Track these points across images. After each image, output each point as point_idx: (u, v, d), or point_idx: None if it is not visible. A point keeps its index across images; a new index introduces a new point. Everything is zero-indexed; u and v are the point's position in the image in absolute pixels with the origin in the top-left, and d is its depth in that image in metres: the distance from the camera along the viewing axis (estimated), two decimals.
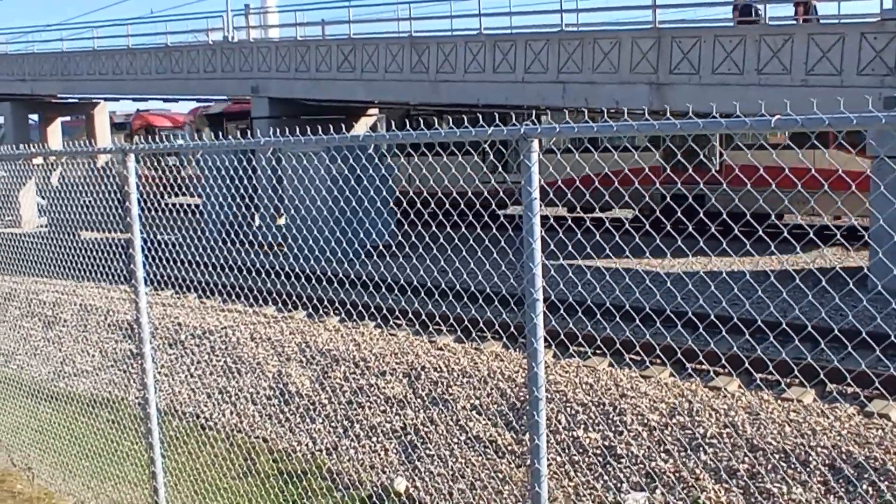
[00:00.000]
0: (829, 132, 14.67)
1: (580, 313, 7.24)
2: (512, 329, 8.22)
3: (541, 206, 3.16)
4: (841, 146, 16.66)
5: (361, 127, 28.33)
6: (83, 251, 7.51)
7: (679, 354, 8.21)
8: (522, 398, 8.34)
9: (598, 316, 7.99)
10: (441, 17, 22.57)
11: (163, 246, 7.74)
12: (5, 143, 33.03)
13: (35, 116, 36.96)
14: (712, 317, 8.92)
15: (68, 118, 40.43)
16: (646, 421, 7.68)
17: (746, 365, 8.77)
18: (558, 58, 18.53)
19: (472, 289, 10.20)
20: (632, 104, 16.84)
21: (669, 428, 7.48)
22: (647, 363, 9.12)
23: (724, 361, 9.19)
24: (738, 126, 2.60)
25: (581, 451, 7.55)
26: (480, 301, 11.26)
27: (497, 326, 9.62)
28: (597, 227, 20.81)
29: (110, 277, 7.88)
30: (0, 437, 7.94)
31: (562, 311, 9.24)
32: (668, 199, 4.87)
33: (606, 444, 7.54)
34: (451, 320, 11.39)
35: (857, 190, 6.15)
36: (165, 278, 14.14)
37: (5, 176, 8.87)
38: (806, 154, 15.96)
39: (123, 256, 7.26)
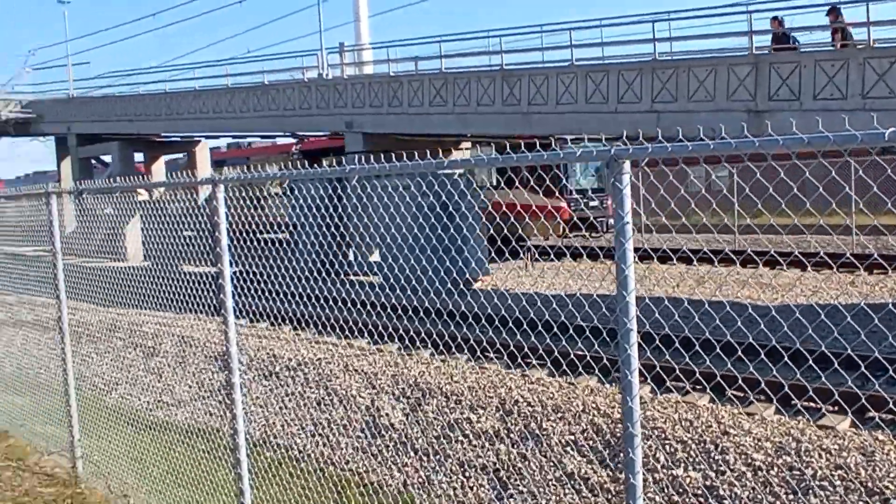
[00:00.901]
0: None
1: (677, 345, 6.96)
2: (605, 362, 7.98)
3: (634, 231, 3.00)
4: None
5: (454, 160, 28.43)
6: (182, 284, 7.61)
7: (786, 390, 7.82)
8: (618, 434, 8.07)
9: (697, 348, 7.68)
10: (533, 49, 22.49)
11: (258, 278, 7.79)
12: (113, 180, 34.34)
13: (140, 155, 38.34)
14: (822, 349, 8.49)
15: (172, 157, 41.78)
16: (750, 461, 7.31)
17: (862, 401, 8.28)
18: (652, 87, 18.27)
19: (563, 319, 9.97)
20: (730, 133, 16.41)
21: (776, 468, 7.09)
22: (751, 399, 8.73)
23: (836, 398, 8.72)
24: (849, 141, 2.39)
25: (680, 491, 7.23)
26: (572, 332, 11.03)
27: (590, 359, 9.38)
28: (694, 256, 20.35)
29: (208, 309, 7.98)
30: (99, 464, 8.06)
31: (657, 343, 8.95)
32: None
33: (708, 484, 7.20)
34: (543, 353, 11.18)
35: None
36: (260, 310, 14.38)
37: (112, 213, 9.10)
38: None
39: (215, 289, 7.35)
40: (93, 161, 40.31)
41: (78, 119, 37.75)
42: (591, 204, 27.85)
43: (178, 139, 37.59)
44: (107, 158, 38.64)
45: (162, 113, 33.11)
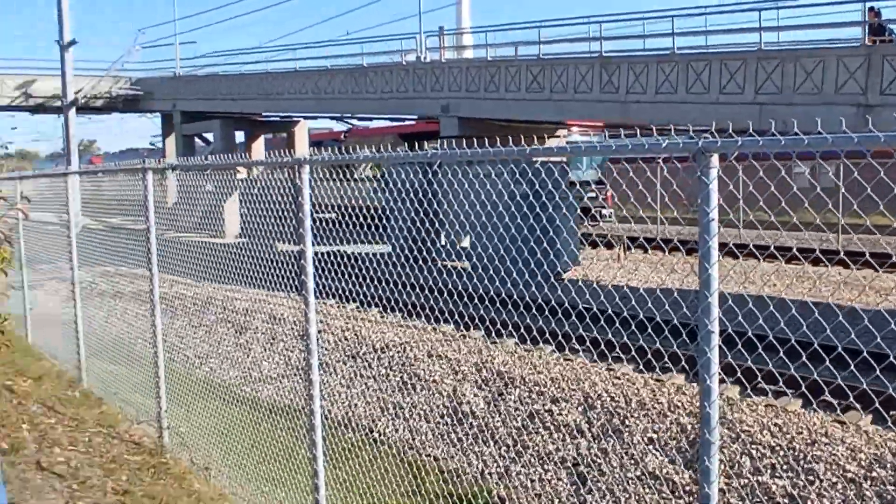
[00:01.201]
0: None
1: (760, 350, 6.68)
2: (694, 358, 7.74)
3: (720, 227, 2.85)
4: None
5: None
6: (274, 262, 7.69)
7: (880, 401, 7.45)
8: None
9: (782, 353, 7.38)
10: (633, 36, 22.00)
11: (347, 260, 7.83)
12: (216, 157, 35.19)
13: (241, 133, 39.13)
14: None
15: (271, 135, 42.49)
16: (843, 471, 7.01)
17: None
18: (756, 78, 17.66)
19: (654, 314, 9.74)
20: (835, 127, 15.77)
21: (870, 481, 6.78)
22: (847, 407, 8.36)
23: None
24: None
25: (768, 497, 6.98)
26: (661, 327, 10.76)
27: (679, 355, 9.13)
28: (782, 254, 19.69)
29: (298, 288, 8.05)
30: (184, 436, 8.23)
31: (744, 343, 8.64)
32: None
33: (796, 492, 6.93)
34: (630, 347, 10.93)
35: None
36: (348, 293, 14.51)
37: (212, 190, 9.26)
38: None
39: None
40: (196, 138, 41.35)
41: (183, 97, 38.77)
42: (590, 195, 28.75)
43: (278, 119, 38.21)
44: (209, 136, 39.57)
45: (263, 92, 33.70)
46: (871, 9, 17.72)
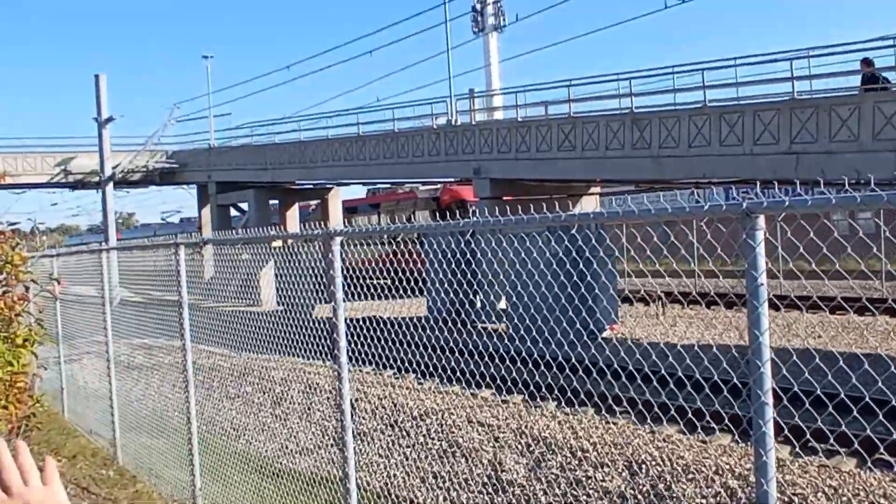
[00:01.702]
0: None
1: (807, 405, 6.40)
2: (744, 423, 7.47)
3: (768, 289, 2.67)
4: None
5: (583, 206, 28.07)
6: (310, 331, 7.59)
7: None
8: (755, 499, 7.52)
9: (831, 408, 7.07)
10: (663, 91, 21.97)
11: (384, 326, 7.71)
12: (249, 227, 35.55)
13: (275, 202, 39.51)
14: None
15: (310, 205, 42.82)
16: None
17: None
18: (790, 127, 17.47)
19: (697, 376, 9.47)
20: (876, 174, 15.50)
21: None
22: None
23: None
24: None
25: None
26: (704, 387, 10.44)
27: (723, 416, 8.83)
28: (825, 304, 19.23)
29: (348, 353, 7.91)
30: None
31: (785, 402, 8.34)
32: None
33: None
34: (672, 408, 10.60)
35: None
36: (384, 359, 14.33)
37: (249, 259, 9.25)
38: None
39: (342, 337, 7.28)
40: (231, 208, 41.82)
41: (218, 168, 39.33)
42: None
43: (311, 186, 38.58)
44: (244, 205, 40.01)
45: (296, 161, 34.06)
46: (864, 59, 18.15)
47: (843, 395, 5.38)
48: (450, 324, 20.85)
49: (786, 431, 7.46)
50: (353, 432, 11.00)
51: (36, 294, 7.13)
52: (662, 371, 9.20)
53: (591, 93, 24.43)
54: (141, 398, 11.56)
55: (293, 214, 40.53)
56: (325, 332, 7.52)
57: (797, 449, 8.94)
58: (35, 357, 6.65)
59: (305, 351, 8.02)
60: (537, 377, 11.14)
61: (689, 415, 9.46)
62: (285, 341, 8.12)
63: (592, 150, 22.21)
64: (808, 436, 8.77)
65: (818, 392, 6.27)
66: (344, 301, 5.20)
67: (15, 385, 6.08)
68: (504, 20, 35.13)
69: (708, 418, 9.63)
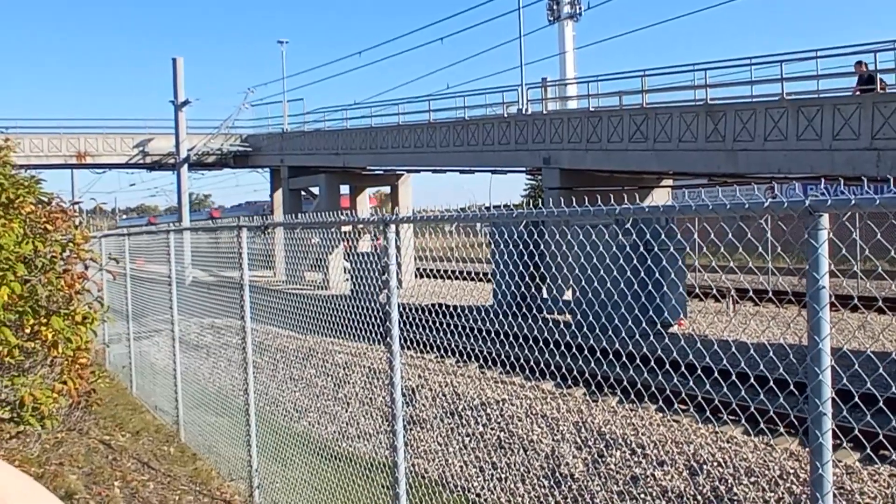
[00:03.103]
0: None
1: (866, 410, 6.13)
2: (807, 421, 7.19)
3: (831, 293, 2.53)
4: None
5: (654, 198, 27.63)
6: (375, 316, 7.60)
7: None
8: None
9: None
10: (740, 83, 21.42)
11: (450, 312, 7.66)
12: (319, 210, 35.90)
13: (346, 187, 39.80)
14: None
15: (375, 189, 43.06)
16: None
17: None
18: (872, 122, 16.86)
19: (764, 373, 9.20)
20: None
21: None
22: None
23: None
24: None
25: None
26: (775, 389, 10.13)
27: (792, 418, 8.55)
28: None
29: (400, 342, 7.89)
30: (276, 493, 8.12)
31: (857, 401, 8.04)
32: None
33: None
34: (737, 408, 10.33)
35: None
36: (447, 344, 14.29)
37: (318, 243, 9.29)
38: None
39: (410, 323, 7.26)
40: (302, 192, 42.27)
41: (290, 152, 39.75)
42: None
43: (382, 172, 38.73)
44: (315, 190, 40.40)
45: (367, 146, 34.21)
46: (859, 62, 18.79)
47: None
48: (515, 312, 20.76)
49: (857, 434, 7.19)
50: (408, 419, 10.98)
51: (95, 272, 7.25)
52: (730, 369, 8.96)
53: (666, 83, 23.98)
54: (206, 377, 11.75)
55: (364, 199, 40.79)
56: (382, 319, 7.50)
57: (868, 451, 8.64)
58: (94, 335, 6.77)
59: (366, 336, 8.02)
60: (600, 372, 10.96)
61: (755, 414, 9.22)
62: (347, 326, 8.12)
63: (665, 142, 21.79)
64: (880, 439, 8.46)
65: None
66: (398, 288, 5.15)
67: (77, 361, 6.19)
68: (580, 8, 34.75)
69: (777, 421, 9.37)
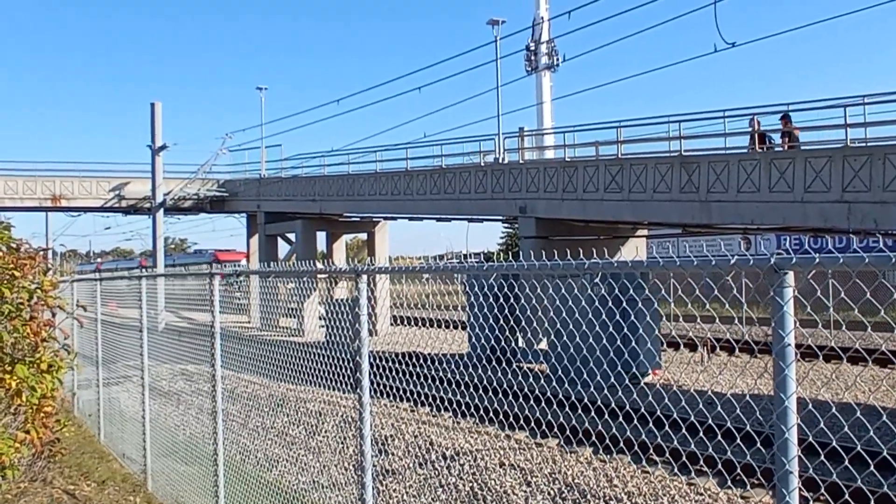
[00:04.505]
0: None
1: (846, 462, 6.12)
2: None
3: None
4: None
5: (629, 248, 27.79)
6: (348, 365, 7.52)
7: None
8: None
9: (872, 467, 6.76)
10: (713, 135, 21.71)
11: (421, 362, 7.60)
12: (296, 257, 35.79)
13: (323, 233, 39.73)
14: None
15: (352, 236, 43.00)
16: None
17: None
18: (843, 175, 17.09)
19: (738, 424, 9.19)
20: None
21: None
22: None
23: None
24: None
25: None
26: (749, 440, 10.12)
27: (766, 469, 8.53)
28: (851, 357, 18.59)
29: (373, 393, 7.81)
30: None
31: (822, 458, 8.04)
32: None
33: None
34: (709, 459, 10.30)
35: None
36: (422, 396, 14.18)
37: (294, 288, 9.24)
38: None
39: (384, 372, 7.20)
40: (279, 238, 42.17)
41: (267, 198, 39.72)
42: None
43: (359, 219, 38.73)
44: (292, 236, 40.32)
45: (344, 193, 34.25)
46: (753, 118, 20.52)
47: (885, 454, 5.13)
48: (492, 362, 20.69)
49: (822, 490, 7.17)
50: (380, 469, 10.84)
51: (63, 319, 7.15)
52: (703, 421, 8.95)
53: (641, 134, 24.23)
54: (176, 424, 11.56)
55: (340, 246, 40.72)
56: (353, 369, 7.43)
57: None
58: (60, 382, 6.66)
59: (339, 384, 7.93)
60: (574, 421, 10.91)
61: (728, 467, 9.18)
62: (319, 373, 8.04)
63: (640, 193, 21.97)
64: (846, 496, 8.43)
65: (859, 448, 6.01)
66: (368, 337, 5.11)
67: (42, 409, 6.08)
68: (558, 59, 35.22)
69: (750, 472, 9.35)
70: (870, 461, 6.16)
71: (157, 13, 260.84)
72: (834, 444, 4.40)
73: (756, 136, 20.24)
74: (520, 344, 23.04)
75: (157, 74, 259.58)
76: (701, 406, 8.01)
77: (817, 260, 2.42)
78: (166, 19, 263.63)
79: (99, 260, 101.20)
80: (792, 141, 19.57)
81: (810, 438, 4.10)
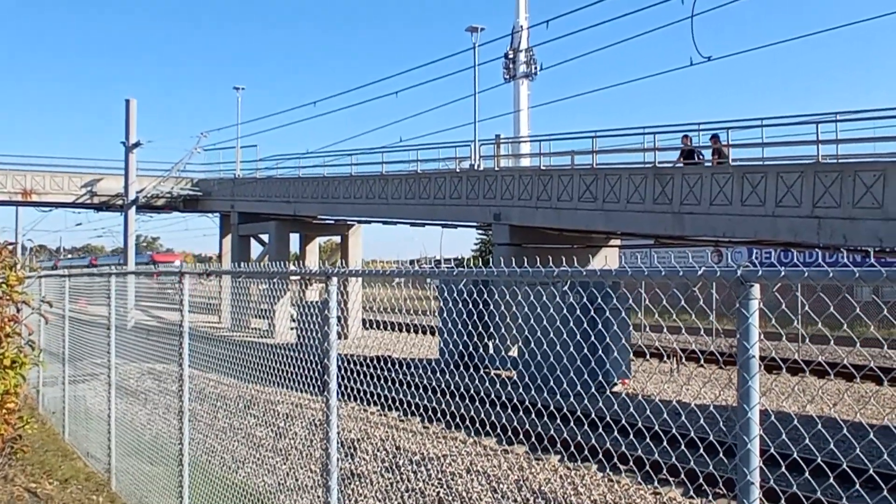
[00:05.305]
0: None
1: (807, 474, 6.21)
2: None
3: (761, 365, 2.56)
4: None
5: (601, 257, 27.90)
6: (317, 367, 7.50)
7: None
8: None
9: (807, 474, 6.82)
10: (676, 148, 21.97)
11: (393, 367, 7.59)
12: (269, 258, 35.61)
13: (296, 235, 39.58)
14: None
15: (326, 238, 42.87)
16: None
17: None
18: (813, 191, 17.30)
19: (712, 438, 9.24)
20: None
21: None
22: None
23: None
24: None
25: None
26: (713, 448, 10.16)
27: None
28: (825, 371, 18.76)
29: (342, 396, 7.79)
30: None
31: (783, 469, 8.12)
32: None
33: None
34: (684, 473, 10.35)
35: None
36: (390, 401, 14.15)
37: (266, 289, 9.20)
38: None
39: (354, 375, 7.18)
40: (252, 238, 41.97)
41: (241, 198, 39.52)
42: None
43: (333, 221, 38.62)
44: (265, 237, 40.14)
45: (318, 196, 34.14)
46: (686, 135, 21.63)
47: (845, 466, 5.18)
48: (461, 367, 20.68)
49: (782, 501, 7.24)
50: (347, 473, 10.79)
51: (28, 315, 7.08)
52: (667, 429, 9.00)
53: (616, 145, 24.38)
54: (142, 424, 11.46)
55: (314, 248, 40.56)
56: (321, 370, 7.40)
57: None
58: (24, 379, 6.59)
59: (309, 387, 7.91)
60: (540, 428, 10.94)
61: (700, 479, 9.23)
62: (289, 375, 8.01)
63: (613, 203, 22.09)
64: None
65: (819, 461, 6.07)
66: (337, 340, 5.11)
67: (4, 406, 6.01)
68: (536, 68, 35.38)
69: (715, 481, 9.42)
70: (829, 473, 6.22)
71: (128, 12, 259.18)
72: (795, 455, 4.45)
73: (684, 152, 21.39)
74: (490, 350, 23.09)
75: (132, 74, 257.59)
76: (665, 415, 8.04)
77: (783, 273, 2.45)
78: (143, 18, 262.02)
79: (59, 257, 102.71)
80: (721, 158, 20.42)
81: (772, 450, 4.13)
